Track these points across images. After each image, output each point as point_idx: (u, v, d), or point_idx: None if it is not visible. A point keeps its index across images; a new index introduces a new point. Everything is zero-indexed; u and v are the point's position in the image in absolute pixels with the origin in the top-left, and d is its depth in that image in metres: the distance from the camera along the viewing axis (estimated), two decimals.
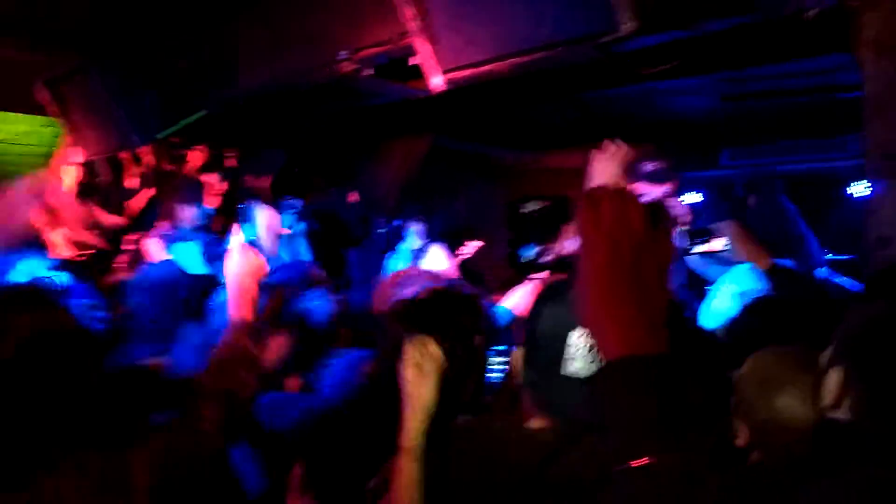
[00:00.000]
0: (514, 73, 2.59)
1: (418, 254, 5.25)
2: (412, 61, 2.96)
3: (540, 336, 1.34)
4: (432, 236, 5.37)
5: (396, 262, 5.10)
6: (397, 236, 5.37)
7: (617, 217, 0.80)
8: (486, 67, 2.42)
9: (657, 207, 0.83)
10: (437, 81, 2.56)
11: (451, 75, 2.55)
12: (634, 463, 0.73)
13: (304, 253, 4.62)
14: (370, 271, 4.93)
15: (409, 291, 2.68)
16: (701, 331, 2.11)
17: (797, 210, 5.27)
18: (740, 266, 2.27)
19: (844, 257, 5.53)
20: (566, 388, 1.26)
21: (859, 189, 6.47)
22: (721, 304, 2.63)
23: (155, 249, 4.24)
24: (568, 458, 1.22)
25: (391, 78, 3.77)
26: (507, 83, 3.12)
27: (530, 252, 0.92)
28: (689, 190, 6.95)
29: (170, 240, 4.29)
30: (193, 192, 4.47)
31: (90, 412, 1.03)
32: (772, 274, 2.10)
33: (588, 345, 1.26)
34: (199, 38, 3.89)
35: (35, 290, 1.54)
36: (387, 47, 3.09)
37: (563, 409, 1.29)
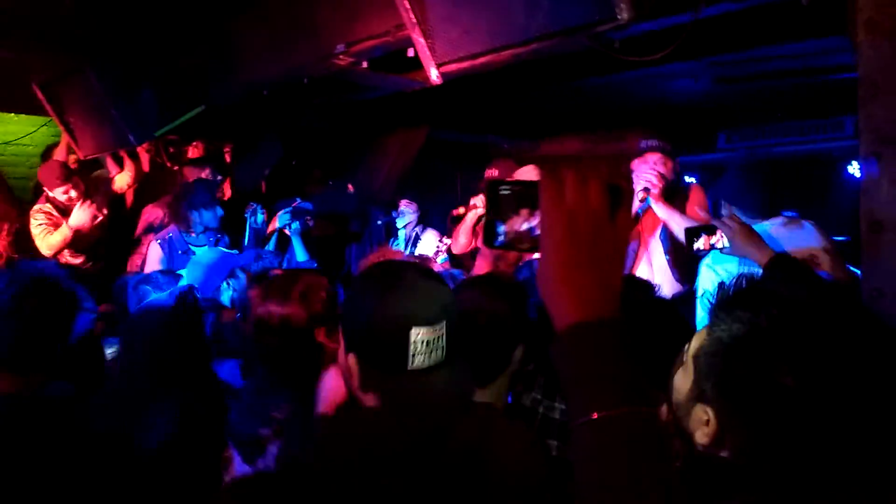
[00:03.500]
0: (510, 64, 2.60)
1: (413, 240, 5.28)
2: (409, 54, 2.97)
3: (378, 330, 1.25)
4: (426, 223, 5.39)
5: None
6: (395, 227, 5.38)
7: (577, 194, 0.85)
8: (482, 59, 2.43)
9: (618, 188, 0.86)
10: (433, 74, 2.57)
11: (447, 68, 2.55)
12: (595, 415, 0.76)
13: (300, 252, 4.61)
14: None
15: None
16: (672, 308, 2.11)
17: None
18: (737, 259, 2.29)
19: (842, 239, 5.54)
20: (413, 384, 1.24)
21: (857, 170, 6.49)
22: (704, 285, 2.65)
23: (154, 256, 4.25)
24: None
25: (387, 70, 3.78)
26: (502, 72, 3.13)
27: (500, 230, 0.91)
28: (686, 173, 6.98)
29: (175, 246, 4.31)
30: (204, 195, 4.44)
31: None
32: (770, 268, 2.11)
33: (426, 339, 1.23)
34: (196, 35, 3.88)
35: None
36: (383, 40, 3.09)
37: (411, 409, 1.25)
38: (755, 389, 0.93)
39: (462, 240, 4.32)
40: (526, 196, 0.91)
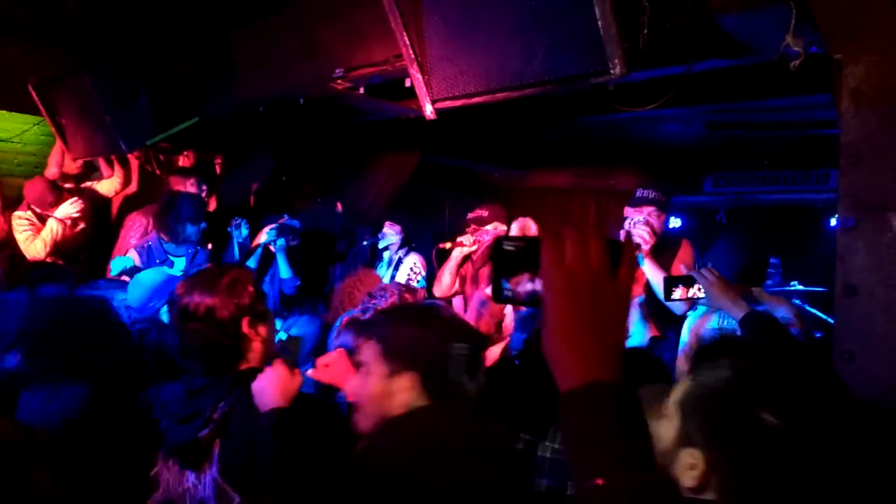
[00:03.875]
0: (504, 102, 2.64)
1: (396, 263, 5.26)
2: (406, 84, 3.00)
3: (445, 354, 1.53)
4: (414, 247, 5.38)
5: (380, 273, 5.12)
6: (379, 249, 5.38)
7: (577, 255, 0.85)
8: (477, 99, 2.46)
9: (619, 245, 0.88)
10: (428, 109, 2.60)
11: (442, 104, 2.59)
12: (599, 481, 0.76)
13: (284, 269, 4.60)
14: None
15: (381, 303, 2.75)
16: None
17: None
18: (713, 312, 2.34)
19: (821, 290, 5.62)
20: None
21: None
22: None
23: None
24: None
25: (383, 96, 3.81)
26: (496, 104, 3.17)
27: (506, 286, 0.98)
28: (672, 215, 7.06)
29: (153, 254, 4.28)
30: (191, 208, 4.42)
31: None
32: (745, 322, 2.15)
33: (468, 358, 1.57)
34: (194, 46, 3.90)
35: None
36: (381, 68, 3.13)
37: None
38: (741, 429, 0.99)
39: (446, 280, 4.27)
40: (529, 253, 0.92)
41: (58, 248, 4.72)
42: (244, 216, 4.86)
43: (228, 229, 4.77)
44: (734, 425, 1.01)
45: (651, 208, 3.52)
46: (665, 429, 1.10)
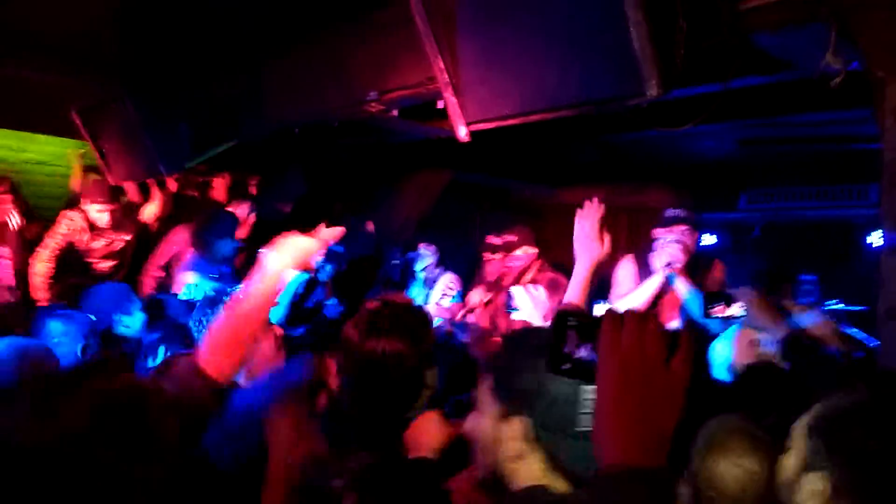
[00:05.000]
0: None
1: (430, 283, 5.28)
2: (439, 105, 3.02)
3: (556, 395, 1.24)
4: (445, 264, 5.40)
5: (413, 292, 5.15)
6: (413, 269, 5.40)
7: (634, 342, 0.89)
8: (511, 121, 2.47)
9: (677, 335, 0.91)
10: (461, 132, 2.62)
11: (476, 126, 2.60)
12: None
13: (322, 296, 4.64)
14: None
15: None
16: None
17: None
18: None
19: (858, 308, 5.49)
20: (580, 445, 1.22)
21: (878, 239, 6.44)
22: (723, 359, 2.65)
23: (190, 280, 4.31)
24: None
25: (415, 116, 3.84)
26: (528, 125, 3.18)
27: (565, 357, 0.94)
28: (707, 231, 6.97)
29: (201, 270, 4.36)
30: (228, 225, 4.51)
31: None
32: (785, 342, 2.11)
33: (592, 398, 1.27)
34: (231, 71, 3.98)
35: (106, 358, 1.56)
36: (415, 91, 3.15)
37: (580, 468, 1.22)
38: (873, 452, 1.00)
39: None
40: (589, 331, 0.96)
41: (92, 262, 4.82)
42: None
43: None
44: (866, 448, 1.01)
45: (683, 227, 3.49)
46: (788, 460, 1.11)
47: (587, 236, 2.11)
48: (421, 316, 1.83)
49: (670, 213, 3.54)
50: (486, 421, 1.28)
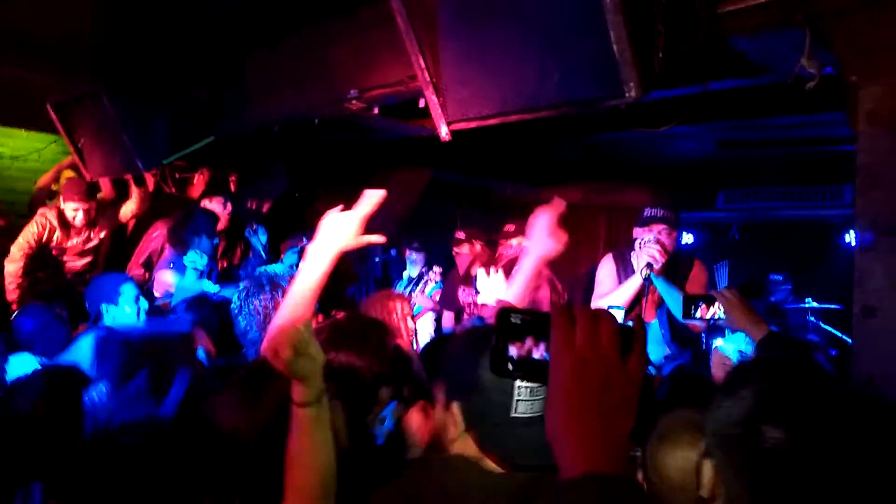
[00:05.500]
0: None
1: (417, 280, 5.31)
2: (420, 104, 3.02)
3: (486, 382, 1.34)
4: (430, 265, 5.43)
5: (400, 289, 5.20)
6: (392, 266, 5.43)
7: (589, 338, 0.83)
8: (492, 121, 2.48)
9: (630, 330, 0.85)
10: (443, 131, 2.62)
11: (457, 125, 2.60)
12: None
13: None
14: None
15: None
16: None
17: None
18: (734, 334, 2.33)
19: (834, 307, 5.59)
20: (516, 430, 1.32)
21: (854, 238, 6.55)
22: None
23: (168, 279, 4.27)
24: None
25: (396, 115, 3.84)
26: (509, 125, 3.20)
27: (510, 357, 0.95)
28: (685, 230, 7.05)
29: (178, 267, 4.32)
30: (206, 222, 4.46)
31: None
32: (764, 344, 2.14)
33: (529, 387, 1.32)
34: (210, 67, 3.95)
35: None
36: (396, 89, 3.15)
37: (515, 453, 1.33)
38: (744, 441, 1.01)
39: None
40: (537, 328, 0.88)
41: (67, 260, 4.76)
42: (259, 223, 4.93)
43: (246, 234, 4.81)
44: (738, 437, 1.03)
45: (661, 226, 3.48)
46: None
47: (541, 232, 2.13)
48: (383, 333, 1.87)
49: (649, 212, 3.53)
50: (436, 407, 1.43)
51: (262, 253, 4.83)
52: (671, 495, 1.47)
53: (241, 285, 2.40)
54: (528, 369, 0.89)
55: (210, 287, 4.01)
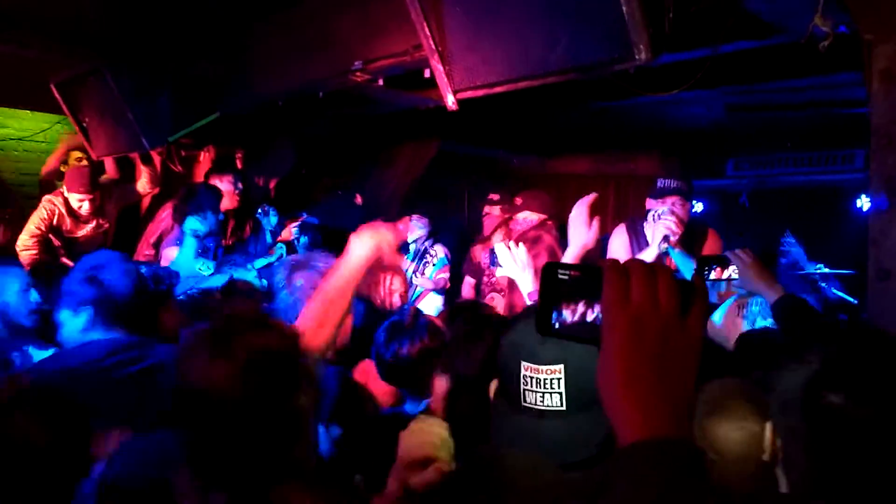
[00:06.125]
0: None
1: (421, 255, 5.28)
2: (426, 74, 2.99)
3: (502, 367, 1.31)
4: (435, 238, 5.40)
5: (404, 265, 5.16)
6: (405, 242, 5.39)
7: (644, 294, 0.76)
8: (498, 88, 2.44)
9: (690, 285, 0.78)
10: (449, 100, 2.59)
11: (463, 94, 2.57)
12: None
13: None
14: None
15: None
16: None
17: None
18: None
19: (848, 272, 5.54)
20: (526, 421, 1.25)
21: (867, 203, 6.48)
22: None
23: (170, 255, 4.26)
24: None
25: (402, 86, 3.80)
26: (515, 93, 3.16)
27: (555, 318, 0.91)
28: (694, 199, 6.98)
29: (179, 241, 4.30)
30: (210, 197, 4.44)
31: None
32: (778, 306, 2.12)
33: (534, 377, 1.25)
34: (214, 43, 3.92)
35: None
36: (400, 59, 3.11)
37: (527, 443, 1.25)
38: (805, 404, 1.05)
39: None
40: (587, 284, 0.81)
41: (78, 246, 4.76)
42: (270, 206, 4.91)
43: (257, 216, 4.80)
44: (799, 400, 1.06)
45: (675, 198, 3.41)
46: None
47: (579, 223, 2.14)
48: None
49: (662, 183, 3.45)
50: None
51: (269, 236, 4.81)
52: (731, 468, 1.42)
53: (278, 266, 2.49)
54: (578, 329, 0.82)
55: (204, 269, 3.97)
